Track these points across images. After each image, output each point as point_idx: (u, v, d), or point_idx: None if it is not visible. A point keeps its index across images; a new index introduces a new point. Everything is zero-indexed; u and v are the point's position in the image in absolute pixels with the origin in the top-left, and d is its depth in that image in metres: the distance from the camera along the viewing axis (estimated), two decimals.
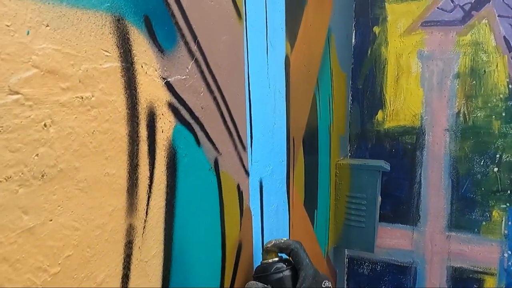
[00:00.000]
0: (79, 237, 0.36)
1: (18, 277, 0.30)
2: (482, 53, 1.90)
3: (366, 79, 2.13)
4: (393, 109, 2.10)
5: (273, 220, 0.89)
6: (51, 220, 0.33)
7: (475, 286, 1.96)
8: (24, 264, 0.30)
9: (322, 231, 1.55)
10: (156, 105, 0.46)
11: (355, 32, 2.15)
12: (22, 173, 0.30)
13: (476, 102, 1.93)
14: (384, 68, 2.10)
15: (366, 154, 2.16)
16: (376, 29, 2.11)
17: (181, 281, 0.52)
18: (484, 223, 1.93)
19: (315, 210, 1.42)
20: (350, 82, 2.15)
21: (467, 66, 1.93)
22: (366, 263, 2.19)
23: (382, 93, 2.10)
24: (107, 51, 0.38)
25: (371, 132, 2.14)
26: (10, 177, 0.29)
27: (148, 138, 0.44)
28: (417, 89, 2.03)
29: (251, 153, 0.75)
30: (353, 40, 2.15)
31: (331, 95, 1.66)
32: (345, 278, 2.23)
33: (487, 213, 1.93)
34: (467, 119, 1.95)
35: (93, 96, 0.37)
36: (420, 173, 2.04)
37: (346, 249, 2.16)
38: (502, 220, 1.90)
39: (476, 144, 1.94)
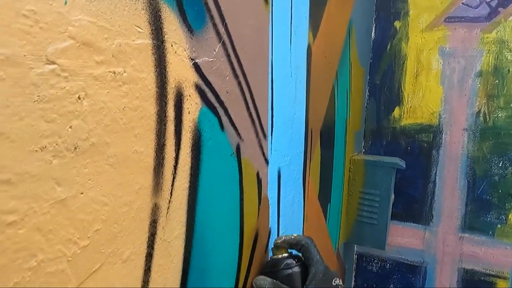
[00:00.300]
0: (107, 212, 0.35)
1: (50, 248, 0.30)
2: (507, 52, 1.84)
3: (384, 75, 2.09)
4: (410, 106, 2.06)
5: (288, 210, 0.89)
6: (82, 193, 0.33)
7: None
8: (55, 235, 0.30)
9: (334, 226, 1.54)
10: (184, 85, 0.45)
11: (375, 26, 2.10)
12: (56, 144, 0.30)
13: (498, 102, 1.88)
14: (404, 64, 2.06)
15: (380, 151, 2.13)
16: (397, 24, 2.07)
17: (200, 264, 0.52)
18: (499, 226, 1.89)
19: (328, 204, 1.41)
20: (368, 77, 2.12)
21: (490, 64, 1.88)
22: (375, 261, 2.17)
23: (400, 89, 2.06)
24: (140, 27, 0.38)
25: (387, 128, 2.10)
26: (45, 147, 0.29)
27: (175, 118, 0.44)
28: (437, 87, 1.99)
29: (271, 142, 0.74)
30: (372, 34, 2.11)
31: (349, 89, 1.63)
32: (353, 274, 2.21)
33: (503, 216, 1.89)
34: (487, 119, 1.90)
35: (125, 72, 0.36)
36: (436, 172, 2.01)
37: (355, 246, 2.15)
38: None
39: (495, 145, 1.89)
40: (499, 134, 1.88)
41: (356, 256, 2.19)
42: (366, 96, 2.14)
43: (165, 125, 0.43)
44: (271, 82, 0.72)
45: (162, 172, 0.43)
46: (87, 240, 0.33)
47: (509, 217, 1.86)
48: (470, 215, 1.94)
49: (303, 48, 0.91)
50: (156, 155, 0.42)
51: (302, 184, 0.99)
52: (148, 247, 0.41)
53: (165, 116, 0.42)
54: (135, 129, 0.38)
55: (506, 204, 1.87)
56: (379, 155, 2.10)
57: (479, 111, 1.90)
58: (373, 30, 2.11)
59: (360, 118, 2.04)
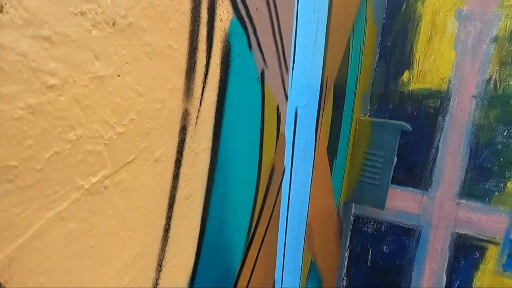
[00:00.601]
0: (142, 103, 0.34)
1: (88, 125, 0.28)
2: None
3: (396, 36, 2.03)
4: (420, 70, 2.02)
5: (301, 154, 0.88)
6: (119, 76, 0.31)
7: (477, 252, 2.00)
8: (94, 113, 0.29)
9: (337, 183, 1.56)
10: None
11: None
12: (95, 13, 0.28)
13: (510, 70, 1.84)
14: (418, 25, 1.99)
15: (386, 115, 2.11)
16: None
17: (223, 185, 0.51)
18: (497, 193, 1.93)
19: (334, 160, 1.41)
20: (380, 38, 2.05)
21: (507, 29, 1.82)
22: (372, 222, 2.22)
23: (411, 52, 2.01)
24: None
25: (394, 92, 2.07)
26: (85, 13, 0.27)
27: (208, 22, 0.41)
28: (449, 51, 1.94)
29: (292, 77, 0.72)
30: None
31: (362, 47, 1.59)
32: (349, 235, 2.27)
33: (501, 184, 1.91)
34: (498, 86, 1.87)
35: None
36: (439, 138, 2.01)
37: (353, 207, 2.19)
38: None
39: (502, 113, 1.88)
40: (508, 102, 1.86)
41: (353, 217, 2.24)
42: (376, 58, 2.09)
43: (198, 26, 0.40)
44: (296, 14, 0.69)
45: (194, 77, 0.41)
46: (123, 127, 0.32)
47: (508, 185, 1.89)
48: (469, 182, 1.96)
49: None
50: (189, 57, 0.39)
51: (314, 131, 0.98)
52: (177, 152, 0.40)
53: (199, 16, 0.40)
54: (170, 21, 0.36)
55: (506, 173, 1.89)
56: (385, 118, 2.09)
57: (490, 78, 1.87)
58: None
59: (368, 79, 2.00)
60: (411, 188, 2.10)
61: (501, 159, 1.90)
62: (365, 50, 1.67)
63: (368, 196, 1.79)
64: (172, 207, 0.40)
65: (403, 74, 2.05)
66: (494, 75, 1.87)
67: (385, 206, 1.80)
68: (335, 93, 1.18)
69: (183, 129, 0.41)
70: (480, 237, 1.99)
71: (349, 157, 1.79)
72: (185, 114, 0.40)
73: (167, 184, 0.39)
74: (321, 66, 0.94)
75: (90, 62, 0.28)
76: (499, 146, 1.90)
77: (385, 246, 2.23)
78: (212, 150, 0.47)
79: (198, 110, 0.43)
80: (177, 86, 0.38)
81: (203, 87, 0.43)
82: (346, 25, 1.18)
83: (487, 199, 1.94)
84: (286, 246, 0.89)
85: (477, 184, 1.96)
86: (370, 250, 2.26)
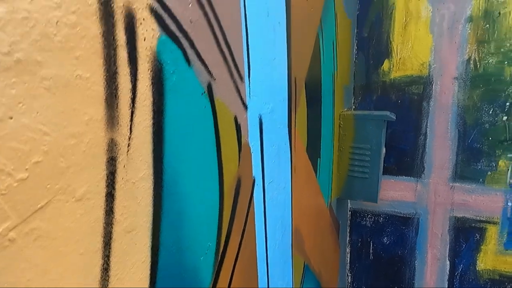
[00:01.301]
0: (49, 143, 0.31)
1: None
2: None
3: (372, 27, 2.02)
4: (400, 58, 2.01)
5: (274, 161, 0.86)
6: (11, 118, 0.28)
7: (477, 234, 1.97)
8: None
9: (325, 181, 1.53)
10: (134, 6, 0.40)
11: None
12: None
13: (488, 48, 1.83)
14: (392, 13, 1.97)
15: (371, 106, 2.09)
16: None
17: (175, 210, 0.49)
18: (489, 173, 1.90)
19: (318, 159, 1.39)
20: (356, 30, 2.04)
21: (480, 8, 1.81)
22: (369, 215, 2.20)
23: (388, 41, 2.00)
24: None
25: (376, 83, 2.05)
26: None
27: (127, 43, 0.39)
28: (426, 36, 1.92)
29: (249, 85, 0.69)
30: None
31: (335, 41, 1.57)
32: (348, 230, 2.25)
33: (493, 163, 1.89)
34: (478, 66, 1.86)
35: None
36: (426, 124, 1.99)
37: (349, 202, 2.17)
38: (508, 170, 1.87)
39: (485, 92, 1.87)
40: (490, 80, 1.84)
41: (350, 212, 2.22)
42: (355, 50, 2.07)
43: (114, 50, 0.38)
44: (245, 19, 0.66)
45: (117, 104, 0.38)
46: (25, 172, 0.29)
47: (499, 164, 1.87)
48: (461, 164, 1.94)
49: None
50: (107, 83, 0.37)
51: (287, 134, 0.95)
52: (107, 186, 0.38)
53: (114, 39, 0.37)
54: (75, 50, 0.33)
55: (496, 151, 1.87)
56: (370, 110, 2.07)
57: (469, 59, 1.85)
58: None
59: (349, 73, 1.98)
60: (404, 177, 2.08)
61: (490, 138, 1.88)
62: (339, 44, 1.65)
63: (360, 191, 1.76)
64: (109, 245, 0.38)
65: (383, 63, 2.03)
66: (473, 54, 1.86)
67: (377, 199, 1.77)
68: (309, 92, 1.16)
69: (112, 161, 0.38)
70: (478, 218, 1.96)
71: (336, 153, 1.77)
72: (111, 145, 0.38)
73: (99, 221, 0.37)
74: (286, 68, 0.91)
75: None
76: (486, 125, 1.88)
77: (385, 238, 2.21)
78: (155, 177, 0.45)
79: (129, 138, 0.40)
80: (96, 117, 0.36)
81: (132, 112, 0.40)
82: (311, 23, 1.16)
83: (481, 180, 1.92)
84: (268, 256, 0.86)
85: (469, 165, 1.94)
86: (371, 244, 2.23)
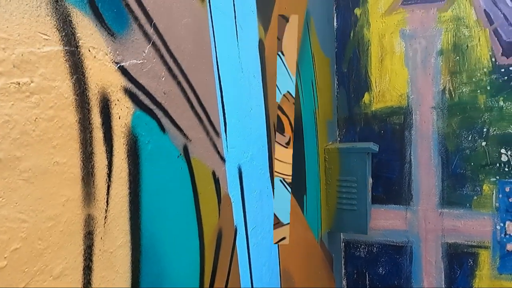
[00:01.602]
0: (27, 229, 0.34)
1: None
2: (464, 28, 1.89)
3: (350, 62, 2.12)
4: (379, 91, 2.09)
5: (256, 206, 0.88)
6: None
7: (470, 260, 1.98)
8: None
9: (313, 216, 1.55)
10: (109, 90, 0.44)
11: (336, 15, 2.12)
12: None
13: (461, 78, 1.92)
14: (368, 49, 2.08)
15: (355, 138, 2.15)
16: (357, 11, 2.09)
17: (154, 271, 0.51)
18: (475, 197, 1.94)
19: (304, 196, 1.42)
20: (335, 66, 2.14)
21: (449, 42, 1.92)
22: (362, 246, 2.20)
23: (367, 75, 2.09)
24: (46, 34, 0.36)
25: (359, 115, 2.13)
26: None
27: (102, 125, 0.43)
28: (402, 69, 2.02)
29: (226, 139, 0.74)
30: (334, 24, 2.13)
31: (314, 80, 1.64)
32: (343, 262, 2.24)
33: (477, 188, 1.94)
34: (453, 95, 1.94)
35: (32, 82, 0.35)
36: (410, 152, 2.05)
37: (341, 234, 2.17)
38: (493, 193, 1.91)
39: (463, 120, 1.94)
40: (466, 108, 1.92)
41: (343, 244, 2.21)
42: (335, 85, 2.16)
43: (90, 133, 0.41)
44: (218, 79, 0.71)
45: (93, 181, 0.41)
46: (3, 260, 0.32)
47: (484, 188, 1.91)
48: (447, 190, 1.98)
49: (254, 42, 0.90)
50: (84, 164, 0.40)
51: (270, 178, 0.99)
52: (85, 259, 0.40)
53: (90, 123, 0.41)
54: (53, 140, 0.37)
55: (479, 176, 1.92)
56: (354, 141, 2.13)
57: (444, 89, 1.94)
58: (335, 19, 2.13)
59: (331, 107, 2.06)
60: (393, 205, 2.11)
61: (472, 163, 1.94)
62: (319, 82, 1.73)
63: (350, 223, 1.78)
64: None
65: (363, 96, 2.12)
66: (447, 85, 1.95)
67: (367, 230, 1.79)
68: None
69: (89, 235, 0.41)
70: (469, 243, 1.98)
71: (324, 187, 1.80)
72: (89, 220, 0.41)
73: None
74: (264, 116, 0.96)
75: None
76: (467, 151, 1.94)
77: (380, 268, 2.20)
78: (133, 243, 0.47)
79: (106, 210, 0.43)
80: (73, 197, 0.39)
81: (108, 186, 0.43)
82: None
83: (468, 205, 1.95)
84: None
85: (455, 191, 1.98)
86: (367, 275, 2.22)
